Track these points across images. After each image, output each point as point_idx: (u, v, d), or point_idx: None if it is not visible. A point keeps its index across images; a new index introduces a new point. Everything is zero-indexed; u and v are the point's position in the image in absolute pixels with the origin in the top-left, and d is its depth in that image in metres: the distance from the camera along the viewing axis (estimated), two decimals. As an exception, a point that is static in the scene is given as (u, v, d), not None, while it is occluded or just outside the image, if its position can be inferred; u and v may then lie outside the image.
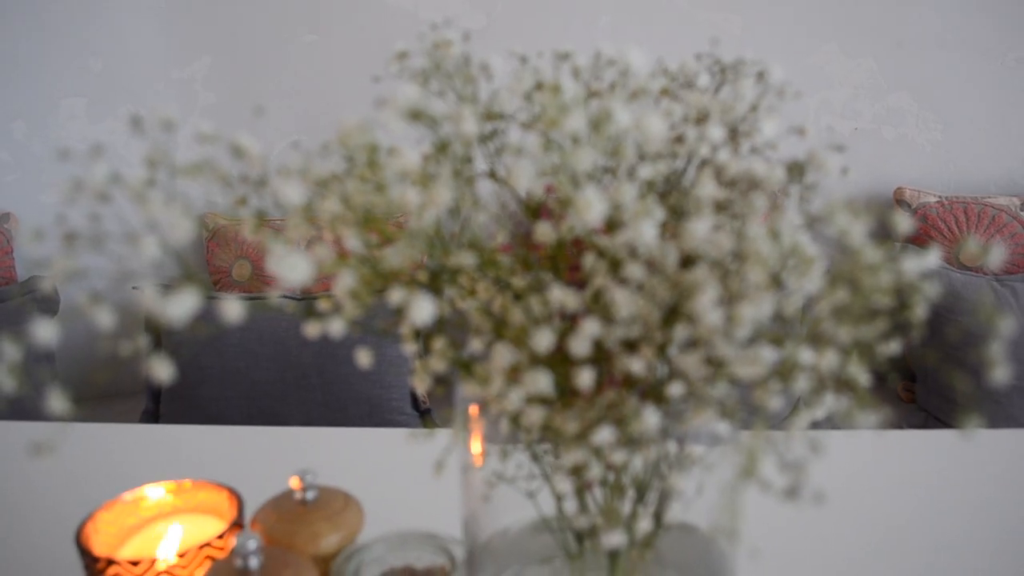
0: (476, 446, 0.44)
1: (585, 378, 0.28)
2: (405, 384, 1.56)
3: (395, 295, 0.30)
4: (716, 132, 0.30)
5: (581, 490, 0.40)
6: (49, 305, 1.63)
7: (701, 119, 0.32)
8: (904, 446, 0.86)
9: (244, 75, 1.72)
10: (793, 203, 0.34)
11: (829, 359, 0.26)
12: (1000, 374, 0.26)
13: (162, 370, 0.30)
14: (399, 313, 0.35)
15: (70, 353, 1.77)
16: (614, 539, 0.31)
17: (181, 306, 0.24)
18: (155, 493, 0.52)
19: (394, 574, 0.49)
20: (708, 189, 0.31)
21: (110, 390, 1.80)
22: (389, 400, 1.54)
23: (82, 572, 0.49)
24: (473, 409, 0.41)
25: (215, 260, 1.72)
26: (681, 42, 1.62)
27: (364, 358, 0.35)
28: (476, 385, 0.32)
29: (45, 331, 0.25)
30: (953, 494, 0.74)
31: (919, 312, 0.29)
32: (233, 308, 0.29)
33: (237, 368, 1.53)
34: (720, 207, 0.31)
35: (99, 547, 0.49)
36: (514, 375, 0.32)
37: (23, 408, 1.51)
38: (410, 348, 0.34)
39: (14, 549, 0.68)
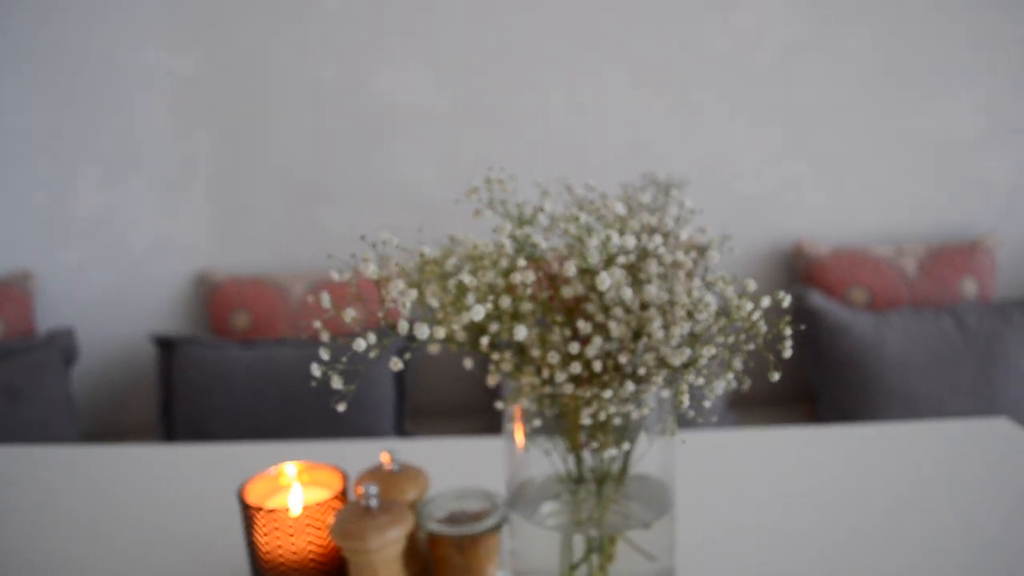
0: (519, 432, 0.69)
1: (596, 366, 0.55)
2: (390, 416, 1.79)
3: (492, 326, 0.56)
4: (657, 238, 0.58)
5: (578, 448, 0.67)
6: (70, 355, 1.82)
7: (648, 230, 0.59)
8: (796, 441, 1.15)
9: (240, 150, 1.96)
10: (700, 273, 0.61)
11: (715, 353, 0.53)
12: (775, 377, 0.53)
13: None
14: (475, 339, 0.61)
15: (88, 397, 1.96)
16: (611, 453, 0.57)
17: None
18: (288, 470, 0.76)
19: (453, 515, 0.74)
20: (653, 268, 0.58)
21: (125, 429, 1.99)
22: (377, 430, 1.77)
23: (241, 520, 0.73)
24: (517, 409, 0.66)
25: (216, 312, 1.94)
26: (620, 113, 1.92)
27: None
28: (532, 375, 0.58)
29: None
30: (839, 483, 1.03)
31: (761, 327, 0.55)
32: (365, 341, 0.54)
33: (245, 407, 1.75)
34: (661, 277, 0.58)
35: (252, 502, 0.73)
36: (551, 369, 0.58)
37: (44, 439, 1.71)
38: (505, 366, 0.60)
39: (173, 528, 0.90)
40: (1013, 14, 1.88)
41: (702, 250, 0.65)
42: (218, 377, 1.78)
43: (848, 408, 1.74)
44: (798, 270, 1.93)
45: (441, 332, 0.50)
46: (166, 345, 1.83)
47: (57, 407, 1.76)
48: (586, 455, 0.69)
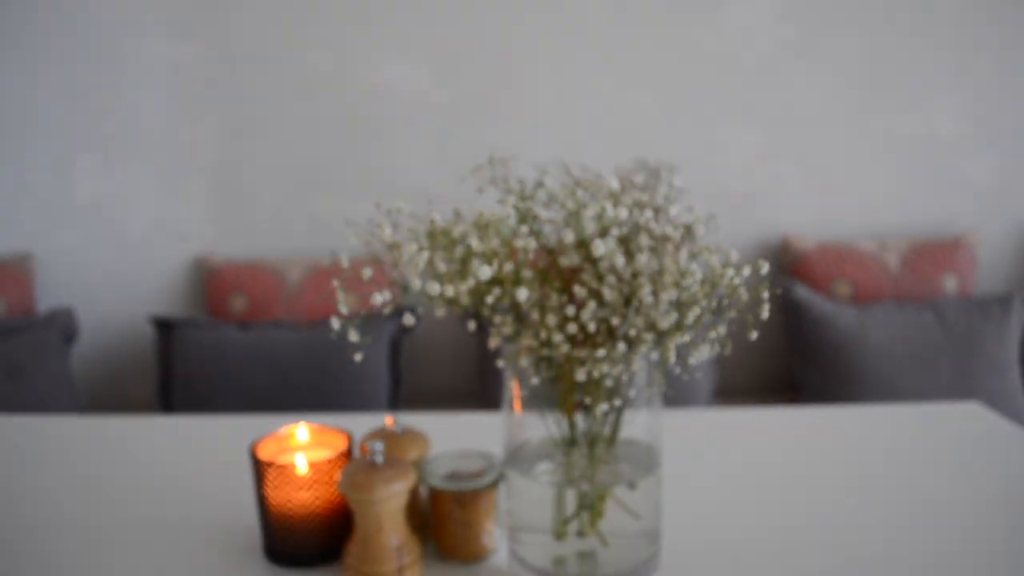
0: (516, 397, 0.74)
1: (591, 328, 0.59)
2: (383, 393, 1.84)
3: (495, 291, 0.61)
4: (648, 213, 0.62)
5: (571, 408, 0.71)
6: (70, 335, 1.86)
7: (639, 205, 0.64)
8: (778, 421, 1.20)
9: (239, 137, 2.00)
10: (687, 246, 0.66)
11: (699, 313, 0.58)
12: (753, 336, 0.58)
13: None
14: (478, 302, 0.66)
15: (88, 376, 2.00)
16: (602, 408, 0.62)
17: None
18: (299, 432, 0.81)
19: (454, 473, 0.79)
20: (644, 240, 0.63)
21: (124, 407, 2.02)
22: (368, 406, 1.81)
23: (252, 476, 0.78)
24: (515, 384, 0.71)
25: (214, 295, 1.98)
26: (611, 109, 1.97)
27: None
28: (531, 336, 0.63)
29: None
30: (815, 461, 1.08)
31: (741, 293, 0.60)
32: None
33: (242, 388, 1.79)
34: (652, 249, 0.63)
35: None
36: (549, 331, 0.63)
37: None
38: (506, 330, 0.65)
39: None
40: (993, 18, 1.94)
41: (688, 227, 0.70)
42: (215, 358, 1.82)
43: (831, 398, 1.80)
44: (785, 264, 1.98)
45: (450, 290, 0.54)
46: (165, 326, 1.86)
47: (57, 385, 1.79)
48: (579, 419, 0.73)
